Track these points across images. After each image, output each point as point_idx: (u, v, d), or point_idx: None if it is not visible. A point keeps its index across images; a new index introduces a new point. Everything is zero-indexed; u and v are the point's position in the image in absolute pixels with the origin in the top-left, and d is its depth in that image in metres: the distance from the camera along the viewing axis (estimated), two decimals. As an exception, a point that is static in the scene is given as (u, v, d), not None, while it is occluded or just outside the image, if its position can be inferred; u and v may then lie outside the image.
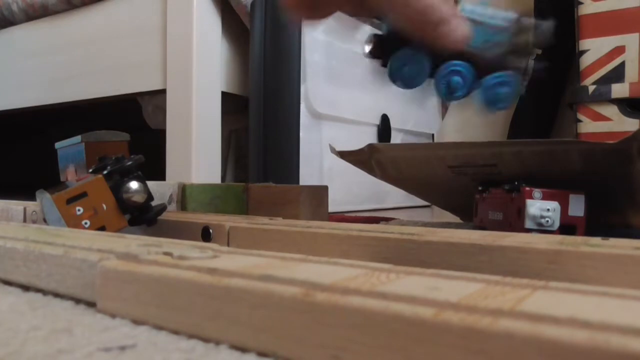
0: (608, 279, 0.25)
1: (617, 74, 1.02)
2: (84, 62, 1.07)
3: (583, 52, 1.05)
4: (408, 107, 1.19)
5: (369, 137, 1.10)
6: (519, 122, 1.31)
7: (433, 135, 1.36)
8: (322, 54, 0.96)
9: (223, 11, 0.95)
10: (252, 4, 0.90)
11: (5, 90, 1.22)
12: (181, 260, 0.23)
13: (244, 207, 0.51)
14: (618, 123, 1.02)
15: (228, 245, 0.38)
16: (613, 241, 0.29)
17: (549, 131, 1.32)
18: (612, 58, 1.03)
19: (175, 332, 0.19)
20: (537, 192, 0.43)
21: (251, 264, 0.21)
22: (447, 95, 0.36)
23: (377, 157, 0.57)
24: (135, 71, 0.99)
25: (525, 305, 0.15)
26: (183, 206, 0.57)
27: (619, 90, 1.02)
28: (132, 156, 0.42)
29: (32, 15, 1.15)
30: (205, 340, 0.19)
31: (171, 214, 0.48)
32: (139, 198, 0.41)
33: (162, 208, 0.43)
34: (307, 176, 0.92)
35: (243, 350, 0.18)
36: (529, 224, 0.43)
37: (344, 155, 0.59)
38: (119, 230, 0.40)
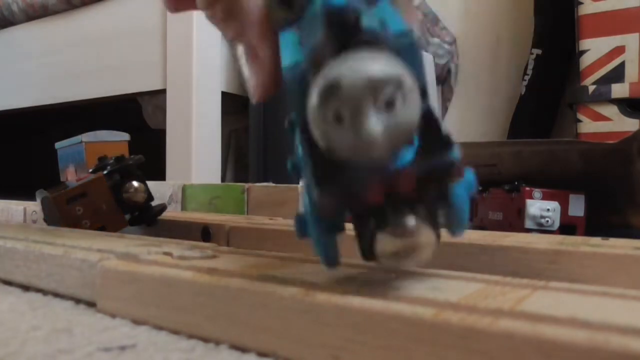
0: (608, 279, 0.25)
1: (617, 74, 1.02)
2: (84, 62, 1.07)
3: (583, 52, 1.05)
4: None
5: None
6: (519, 122, 1.31)
7: (433, 135, 1.36)
8: (322, 54, 0.96)
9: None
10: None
11: (5, 90, 1.22)
12: (181, 260, 0.23)
13: (243, 207, 0.51)
14: (618, 123, 1.02)
15: (228, 245, 0.38)
16: (613, 241, 0.29)
17: (549, 131, 1.32)
18: (612, 58, 1.03)
19: (175, 332, 0.19)
20: (537, 192, 0.43)
21: (251, 264, 0.21)
22: None
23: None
24: (135, 71, 0.99)
25: (525, 305, 0.15)
26: (183, 206, 0.57)
27: (619, 90, 1.02)
28: (132, 156, 0.42)
29: (32, 15, 1.15)
30: (205, 340, 0.19)
31: (171, 214, 0.48)
32: (139, 198, 0.41)
33: (162, 208, 0.43)
34: (307, 176, 0.92)
35: (243, 350, 0.18)
36: (529, 224, 0.43)
37: None
38: (119, 230, 0.40)
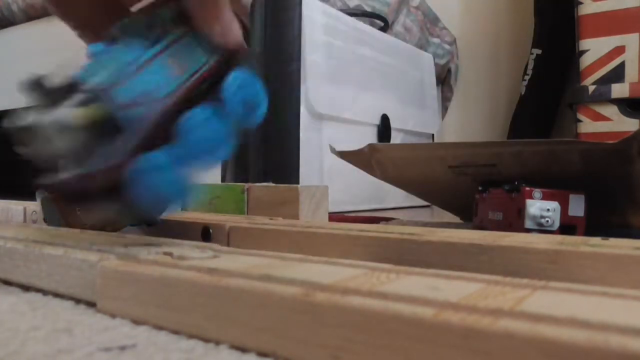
0: (608, 279, 0.25)
1: (617, 74, 1.02)
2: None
3: (583, 52, 1.05)
4: (408, 107, 1.19)
5: (369, 137, 1.10)
6: (519, 122, 1.32)
7: (433, 135, 1.36)
8: (322, 54, 0.96)
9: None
10: (252, 4, 0.90)
11: (5, 90, 1.22)
12: (181, 260, 0.23)
13: (243, 207, 0.51)
14: (618, 123, 1.02)
15: (228, 245, 0.38)
16: (613, 241, 0.29)
17: (549, 131, 1.33)
18: (612, 58, 1.03)
19: (175, 332, 0.19)
20: (537, 192, 0.43)
21: (251, 264, 0.22)
22: None
23: (378, 157, 0.57)
24: (135, 71, 0.99)
25: (525, 305, 0.15)
26: (183, 206, 0.57)
27: (619, 90, 1.02)
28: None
29: (32, 15, 1.15)
30: (205, 340, 0.19)
31: (171, 214, 0.48)
32: (139, 198, 0.41)
33: (162, 208, 0.43)
34: (307, 176, 0.92)
35: (243, 350, 0.18)
36: (529, 224, 0.43)
37: (344, 155, 0.59)
38: (119, 230, 0.40)
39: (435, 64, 1.35)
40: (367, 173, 0.61)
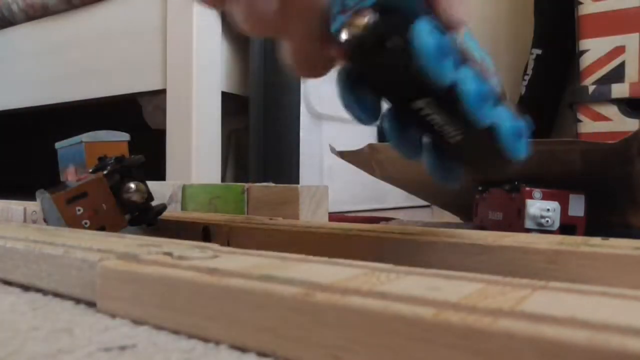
0: (608, 279, 0.25)
1: (617, 74, 1.02)
2: (84, 62, 1.07)
3: (583, 52, 1.05)
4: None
5: (369, 137, 1.10)
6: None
7: (433, 135, 1.36)
8: (322, 54, 0.96)
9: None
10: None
11: (5, 90, 1.22)
12: (181, 260, 0.23)
13: (243, 207, 0.51)
14: (618, 123, 1.02)
15: (228, 245, 0.38)
16: (613, 241, 0.29)
17: (549, 131, 1.32)
18: (612, 58, 1.03)
19: (175, 332, 0.19)
20: (537, 192, 0.43)
21: (251, 264, 0.21)
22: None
23: (377, 157, 0.57)
24: (135, 71, 0.99)
25: (525, 305, 0.15)
26: (183, 206, 0.57)
27: (619, 90, 1.02)
28: (132, 156, 0.42)
29: (32, 15, 1.15)
30: (205, 340, 0.19)
31: (171, 214, 0.48)
32: (139, 198, 0.41)
33: (162, 208, 0.43)
34: (307, 176, 0.92)
35: (243, 350, 0.18)
36: (529, 224, 0.43)
37: (344, 155, 0.59)
38: (119, 230, 0.40)
39: (435, 64, 1.35)
40: (367, 173, 0.61)
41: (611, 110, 1.03)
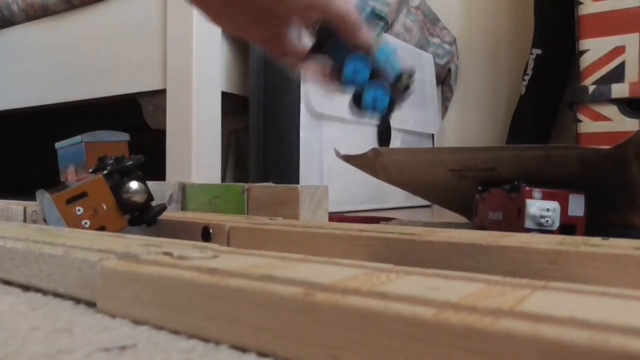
0: (608, 279, 0.25)
1: (617, 74, 1.02)
2: (84, 62, 1.07)
3: (583, 52, 1.05)
4: (408, 107, 1.19)
5: (369, 137, 1.10)
6: (519, 122, 1.32)
7: (433, 135, 1.36)
8: (322, 54, 0.96)
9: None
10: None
11: (5, 90, 1.22)
12: (181, 260, 0.23)
13: (243, 207, 0.51)
14: (618, 123, 1.02)
15: (228, 245, 0.38)
16: (613, 241, 0.29)
17: (549, 131, 1.33)
18: (612, 58, 1.03)
19: (175, 332, 0.19)
20: (537, 192, 0.43)
21: (251, 264, 0.21)
22: (372, 106, 0.45)
23: (381, 161, 0.58)
24: (135, 71, 0.99)
25: (525, 305, 0.15)
26: (183, 206, 0.57)
27: (619, 90, 1.02)
28: (132, 156, 0.42)
29: (32, 15, 1.15)
30: (205, 340, 0.19)
31: (171, 214, 0.48)
32: (139, 198, 0.41)
33: (162, 208, 0.43)
34: (307, 176, 0.92)
35: (243, 350, 0.18)
36: (529, 223, 0.43)
37: (348, 159, 0.60)
38: (119, 230, 0.40)
39: (435, 64, 1.35)
40: (370, 175, 0.61)
41: (611, 110, 1.03)
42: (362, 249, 0.32)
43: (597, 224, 0.45)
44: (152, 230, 0.43)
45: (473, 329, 0.13)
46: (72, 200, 0.39)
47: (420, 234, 0.31)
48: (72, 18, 1.10)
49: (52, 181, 0.49)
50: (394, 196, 1.12)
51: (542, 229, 0.43)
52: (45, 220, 0.42)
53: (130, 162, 0.41)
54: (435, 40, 1.39)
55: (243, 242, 0.38)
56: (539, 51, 1.27)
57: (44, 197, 0.40)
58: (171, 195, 0.57)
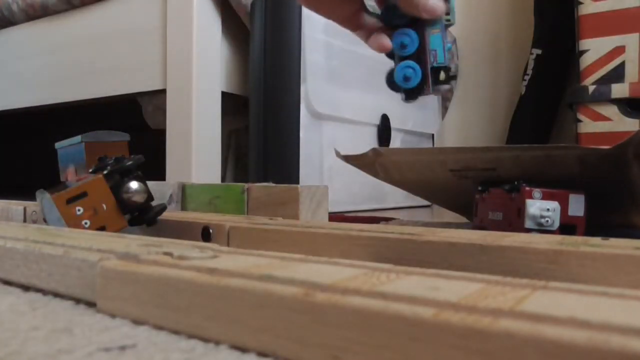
0: (608, 279, 0.25)
1: (617, 74, 1.02)
2: (84, 62, 1.07)
3: (583, 52, 1.05)
4: (408, 107, 1.19)
5: (369, 137, 1.10)
6: (519, 122, 1.32)
7: (433, 135, 1.36)
8: (322, 54, 0.96)
9: (223, 11, 0.95)
10: (252, 4, 0.90)
11: (5, 90, 1.22)
12: (181, 260, 0.23)
13: (243, 207, 0.51)
14: (618, 123, 1.02)
15: (228, 245, 0.38)
16: (613, 241, 0.29)
17: (549, 131, 1.33)
18: (612, 58, 1.03)
19: (175, 332, 0.19)
20: (537, 192, 0.43)
21: (251, 264, 0.21)
22: (403, 83, 0.47)
23: (381, 161, 0.58)
24: (135, 71, 0.99)
25: (525, 305, 0.15)
26: (183, 206, 0.57)
27: (619, 90, 1.02)
28: (132, 156, 0.42)
29: (32, 15, 1.15)
30: (205, 340, 0.19)
31: (171, 214, 0.48)
32: (139, 198, 0.41)
33: (162, 208, 0.43)
34: (307, 176, 0.92)
35: (243, 350, 0.18)
36: (528, 223, 0.43)
37: (348, 159, 0.60)
38: (119, 230, 0.40)
39: (435, 64, 1.35)
40: (371, 176, 0.61)
41: (611, 110, 1.03)
42: (362, 249, 0.32)
43: (597, 224, 0.45)
44: (152, 230, 0.43)
45: (473, 329, 0.13)
46: (72, 200, 0.39)
47: (420, 234, 0.31)
48: (72, 18, 1.10)
49: (52, 181, 0.49)
50: (394, 196, 1.12)
51: (542, 229, 0.43)
52: (45, 220, 0.42)
53: (130, 162, 0.41)
54: (435, 40, 1.39)
55: (243, 242, 0.38)
56: (539, 51, 1.27)
57: (44, 197, 0.40)
58: (171, 195, 0.57)
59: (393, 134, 1.14)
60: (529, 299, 0.15)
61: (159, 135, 0.96)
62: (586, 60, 1.05)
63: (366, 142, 1.08)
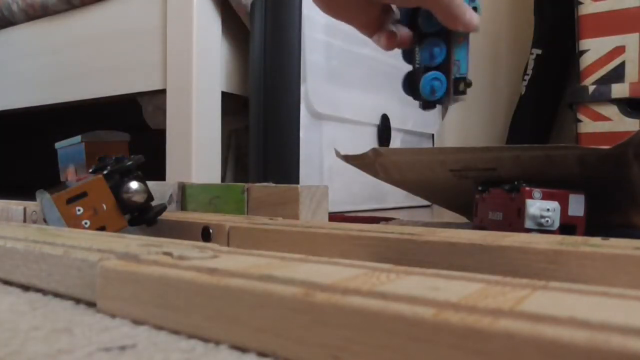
0: (608, 279, 0.25)
1: (617, 74, 1.02)
2: (84, 62, 1.07)
3: (583, 52, 1.05)
4: (408, 107, 1.19)
5: (369, 137, 1.10)
6: (519, 122, 1.32)
7: (433, 135, 1.36)
8: (322, 54, 0.96)
9: (223, 11, 0.95)
10: (252, 4, 0.90)
11: (5, 90, 1.22)
12: (181, 260, 0.23)
13: (243, 207, 0.51)
14: (618, 123, 1.02)
15: (228, 245, 0.38)
16: (613, 241, 0.29)
17: (549, 131, 1.33)
18: (612, 58, 1.03)
19: (175, 332, 0.19)
20: (537, 192, 0.43)
21: (251, 264, 0.21)
22: (429, 95, 0.46)
23: (381, 161, 0.58)
24: (135, 71, 0.99)
25: (525, 305, 0.15)
26: (183, 206, 0.57)
27: (619, 90, 1.02)
28: (132, 156, 0.42)
29: (32, 15, 1.15)
30: (205, 340, 0.19)
31: (171, 214, 0.48)
32: (139, 198, 0.41)
33: (162, 208, 0.43)
34: (307, 176, 0.92)
35: (243, 350, 0.18)
36: (528, 223, 0.43)
37: (348, 159, 0.60)
38: (119, 230, 0.40)
39: (435, 64, 1.35)
40: (371, 176, 0.61)
41: (611, 110, 1.03)
42: (362, 249, 0.32)
43: (597, 224, 0.45)
44: (152, 230, 0.43)
45: (473, 329, 0.13)
46: (72, 200, 0.39)
47: (420, 234, 0.31)
48: (72, 18, 1.10)
49: (52, 181, 0.49)
50: (394, 196, 1.12)
51: (542, 229, 0.43)
52: (45, 220, 0.42)
53: (130, 162, 0.41)
54: (435, 40, 1.39)
55: (243, 242, 0.38)
56: (539, 51, 1.27)
57: (44, 197, 0.40)
58: (171, 195, 0.57)
59: (393, 134, 1.14)
60: (529, 299, 0.15)
61: (159, 135, 0.96)
62: (586, 60, 1.05)
63: (366, 142, 1.08)
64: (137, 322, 0.21)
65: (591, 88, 1.04)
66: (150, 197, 0.42)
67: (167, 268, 0.21)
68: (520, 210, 0.44)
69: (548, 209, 0.43)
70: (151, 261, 0.23)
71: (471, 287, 0.17)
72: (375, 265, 0.21)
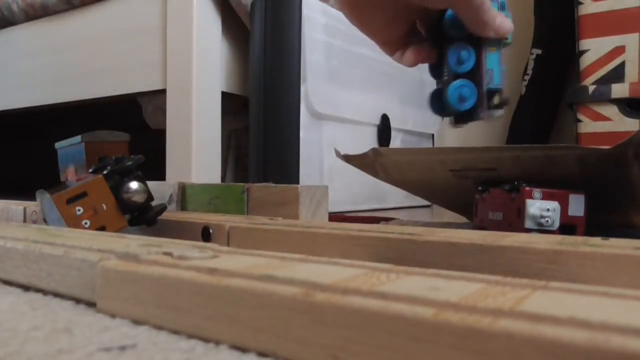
0: (608, 279, 0.25)
1: (617, 74, 1.02)
2: (84, 62, 1.07)
3: (583, 52, 1.05)
4: (408, 107, 1.19)
5: (369, 137, 1.10)
6: (519, 122, 1.32)
7: (433, 135, 1.36)
8: (322, 54, 0.96)
9: (223, 11, 0.95)
10: (252, 4, 0.90)
11: (5, 90, 1.22)
12: (181, 260, 0.23)
13: (243, 207, 0.51)
14: (618, 123, 1.02)
15: (228, 245, 0.38)
16: (613, 241, 0.29)
17: (549, 131, 1.33)
18: (612, 58, 1.03)
19: (175, 332, 0.19)
20: (537, 192, 0.43)
21: (251, 264, 0.21)
22: (457, 104, 0.44)
23: (381, 161, 0.58)
24: (135, 71, 0.99)
25: (525, 305, 0.15)
26: (183, 206, 0.57)
27: (619, 90, 1.02)
28: (132, 156, 0.42)
29: (32, 15, 1.15)
30: (205, 340, 0.19)
31: (171, 214, 0.48)
32: (139, 198, 0.41)
33: (162, 208, 0.43)
34: (307, 176, 0.92)
35: (243, 350, 0.18)
36: (528, 224, 0.43)
37: (349, 159, 0.60)
38: (119, 230, 0.40)
39: (435, 64, 1.35)
40: (371, 176, 0.61)
41: (611, 110, 1.03)
42: (362, 249, 0.32)
43: (597, 224, 0.45)
44: (152, 230, 0.43)
45: (473, 329, 0.13)
46: (72, 200, 0.39)
47: (420, 234, 0.31)
48: (72, 18, 1.10)
49: (52, 181, 0.49)
50: (394, 196, 1.12)
51: (542, 229, 0.43)
52: (45, 220, 0.42)
53: (130, 162, 0.41)
54: (435, 40, 1.39)
55: (243, 242, 0.38)
56: (539, 51, 1.27)
57: (44, 197, 0.40)
58: (171, 195, 0.57)
59: (393, 134, 1.14)
60: (529, 299, 0.15)
61: (159, 135, 0.96)
62: (586, 60, 1.05)
63: (366, 142, 1.07)
64: (137, 322, 0.21)
65: (591, 88, 1.04)
66: (150, 197, 0.42)
67: (167, 268, 0.21)
68: (520, 210, 0.44)
69: (548, 209, 0.43)
70: (151, 261, 0.23)
71: (471, 287, 0.17)
72: (375, 265, 0.21)
